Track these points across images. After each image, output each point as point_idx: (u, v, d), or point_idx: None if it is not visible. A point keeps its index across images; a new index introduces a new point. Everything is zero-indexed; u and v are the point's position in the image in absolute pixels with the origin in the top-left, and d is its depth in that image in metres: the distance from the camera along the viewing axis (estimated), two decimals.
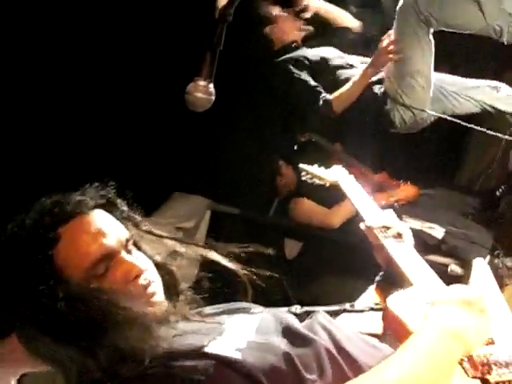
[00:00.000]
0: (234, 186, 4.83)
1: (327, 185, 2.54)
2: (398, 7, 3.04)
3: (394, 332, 1.23)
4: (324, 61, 3.47)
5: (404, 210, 3.83)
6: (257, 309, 1.46)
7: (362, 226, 1.86)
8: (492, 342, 1.21)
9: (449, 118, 3.17)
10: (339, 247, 4.34)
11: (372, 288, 1.79)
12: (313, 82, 3.45)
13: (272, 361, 1.14)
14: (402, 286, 1.60)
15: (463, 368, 1.12)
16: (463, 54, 4.05)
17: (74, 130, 4.06)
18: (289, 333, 1.28)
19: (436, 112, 3.23)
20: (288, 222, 4.51)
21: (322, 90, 3.44)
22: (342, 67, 3.41)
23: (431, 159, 4.70)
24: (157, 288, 1.35)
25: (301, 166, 2.69)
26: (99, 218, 1.36)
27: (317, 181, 2.60)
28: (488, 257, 3.60)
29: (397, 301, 1.25)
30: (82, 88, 4.13)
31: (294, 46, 3.69)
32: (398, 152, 4.30)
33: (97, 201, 1.41)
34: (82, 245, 1.27)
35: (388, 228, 1.74)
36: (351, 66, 3.54)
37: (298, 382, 1.12)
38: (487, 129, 4.84)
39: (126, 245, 1.36)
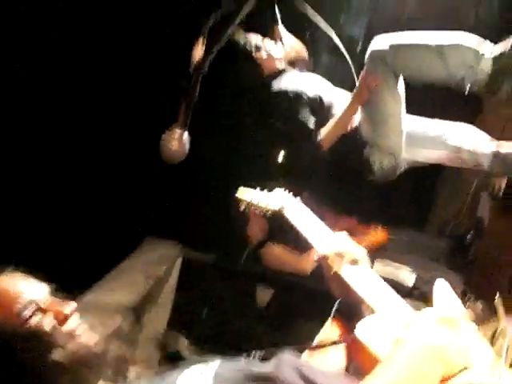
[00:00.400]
0: (206, 232, 4.80)
1: (269, 213, 2.31)
2: (365, 57, 3.10)
3: (361, 361, 1.21)
4: (319, 97, 3.47)
5: (374, 255, 3.83)
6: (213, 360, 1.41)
7: (312, 255, 1.80)
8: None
9: (423, 163, 3.19)
10: (310, 292, 4.31)
11: (329, 322, 1.74)
12: (309, 120, 3.43)
13: None
14: (361, 314, 1.58)
15: None
16: (429, 101, 4.15)
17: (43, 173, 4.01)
18: (250, 375, 1.23)
19: (410, 157, 3.26)
20: (259, 268, 4.48)
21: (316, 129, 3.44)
22: (334, 104, 3.42)
23: (401, 204, 4.74)
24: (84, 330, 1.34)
25: (238, 194, 2.47)
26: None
27: (258, 210, 2.38)
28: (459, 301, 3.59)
29: (364, 330, 1.23)
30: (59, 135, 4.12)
31: (282, 70, 3.70)
32: (368, 196, 4.32)
33: None
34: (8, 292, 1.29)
35: (343, 255, 1.66)
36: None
37: None
38: (458, 175, 4.94)
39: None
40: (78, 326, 1.32)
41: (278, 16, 3.61)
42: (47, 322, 1.28)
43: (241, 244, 4.77)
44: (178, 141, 2.49)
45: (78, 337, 1.27)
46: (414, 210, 5.10)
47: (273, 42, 3.67)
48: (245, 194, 2.44)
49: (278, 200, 2.27)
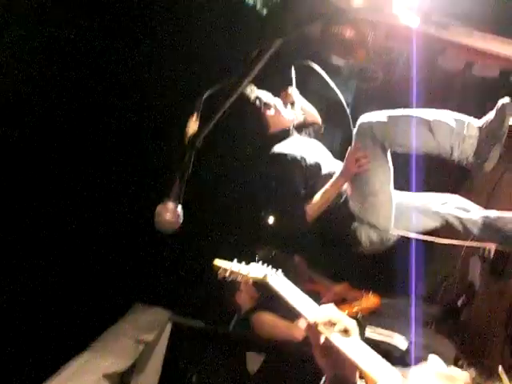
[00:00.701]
0: (195, 298, 4.79)
1: (250, 282, 2.27)
2: (354, 131, 3.15)
3: None
4: (318, 167, 3.47)
5: (367, 320, 3.81)
6: None
7: (302, 323, 1.74)
8: None
9: (413, 235, 3.21)
10: (301, 358, 4.27)
11: None
12: (301, 189, 3.43)
13: None
14: None
15: None
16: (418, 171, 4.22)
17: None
18: None
19: (399, 229, 3.26)
20: (248, 335, 4.44)
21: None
22: (330, 176, 3.41)
23: (392, 269, 4.74)
24: None
25: (216, 262, 2.42)
26: None
27: (238, 279, 2.32)
28: (452, 366, 3.56)
29: None
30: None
31: (288, 130, 3.72)
32: (359, 262, 4.34)
33: None
34: None
35: (333, 324, 1.58)
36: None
37: None
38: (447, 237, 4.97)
39: None
40: None
41: (294, 78, 3.65)
42: None
43: (230, 310, 4.76)
44: (171, 213, 2.50)
45: None
46: (404, 275, 5.11)
47: (282, 102, 3.70)
48: (223, 263, 2.40)
49: (260, 269, 2.24)
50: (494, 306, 3.82)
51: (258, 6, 4.10)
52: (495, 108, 2.72)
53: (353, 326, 1.58)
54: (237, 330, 4.64)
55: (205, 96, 2.67)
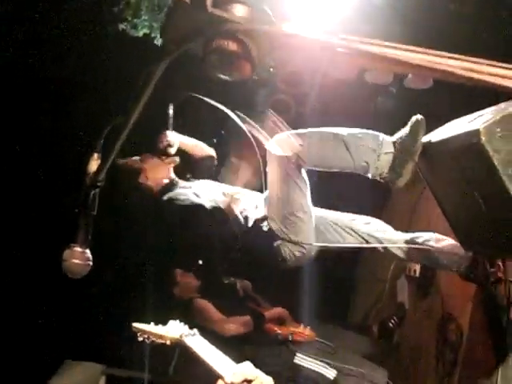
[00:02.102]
0: (125, 349, 4.67)
1: (168, 343, 2.27)
2: (267, 151, 3.15)
3: None
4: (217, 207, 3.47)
5: (298, 347, 3.79)
6: None
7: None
8: None
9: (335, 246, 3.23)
10: None
11: None
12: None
13: None
14: None
15: None
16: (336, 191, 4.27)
17: None
18: None
19: (319, 246, 3.28)
20: (188, 380, 4.34)
21: None
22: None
23: (321, 296, 4.76)
24: None
25: (134, 326, 2.43)
26: None
27: (157, 340, 2.32)
28: None
29: None
30: None
31: (173, 182, 3.68)
32: (297, 290, 4.33)
33: None
34: None
35: (250, 381, 1.62)
36: None
37: None
38: (373, 261, 5.04)
39: None
40: None
41: (170, 119, 3.58)
42: None
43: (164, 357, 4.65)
44: (79, 257, 2.43)
45: None
46: (336, 302, 5.14)
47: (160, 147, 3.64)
48: (141, 326, 2.40)
49: (176, 329, 2.26)
50: (424, 325, 3.88)
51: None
52: (409, 123, 2.77)
53: (269, 381, 1.61)
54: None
55: (104, 134, 2.62)
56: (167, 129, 3.51)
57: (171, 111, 3.46)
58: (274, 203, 3.16)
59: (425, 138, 2.72)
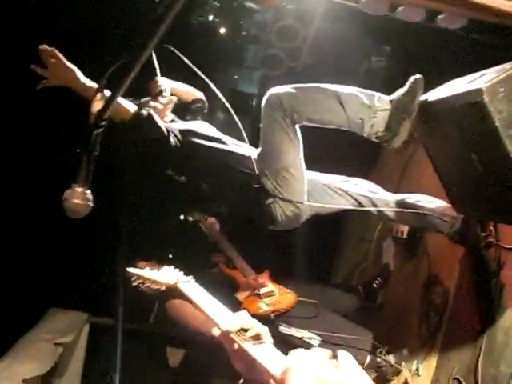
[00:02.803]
0: (109, 297, 4.66)
1: (162, 288, 2.21)
2: (262, 104, 3.08)
3: None
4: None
5: (280, 319, 3.77)
6: None
7: (215, 331, 1.68)
8: None
9: (327, 206, 3.18)
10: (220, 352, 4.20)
11: None
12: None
13: None
14: None
15: None
16: (326, 150, 4.22)
17: None
18: None
19: (312, 208, 3.24)
20: (169, 329, 4.36)
21: None
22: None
23: (305, 257, 4.75)
24: None
25: (128, 270, 2.34)
26: None
27: (151, 285, 2.25)
28: (368, 357, 3.59)
29: None
30: None
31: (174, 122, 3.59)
32: (280, 250, 4.31)
33: None
34: None
35: (246, 330, 1.56)
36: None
37: None
38: (359, 221, 5.02)
39: None
40: None
41: (157, 65, 3.49)
42: None
43: (146, 305, 4.66)
44: (80, 197, 2.36)
45: None
46: (319, 262, 5.14)
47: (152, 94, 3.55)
48: (135, 270, 2.30)
49: (170, 276, 2.19)
50: (409, 287, 3.86)
51: None
52: (408, 82, 2.72)
53: (265, 331, 1.57)
54: (155, 325, 4.55)
55: (108, 73, 2.54)
56: (155, 75, 3.44)
57: (155, 57, 3.36)
58: (267, 158, 3.11)
59: (423, 97, 2.67)
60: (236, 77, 3.51)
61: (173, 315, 3.96)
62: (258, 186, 3.17)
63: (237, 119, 3.18)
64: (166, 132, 3.16)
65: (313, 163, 3.32)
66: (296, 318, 3.75)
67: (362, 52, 5.17)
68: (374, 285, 4.31)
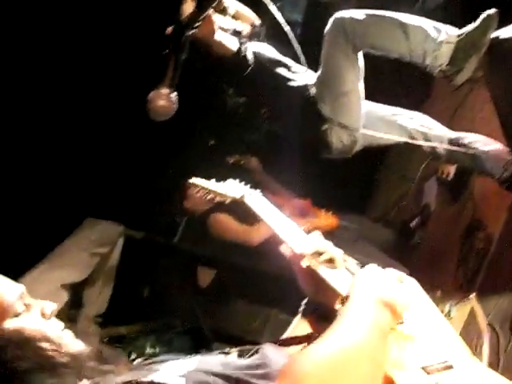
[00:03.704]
0: (146, 212, 4.71)
1: (227, 201, 2.10)
2: (326, 29, 3.00)
3: None
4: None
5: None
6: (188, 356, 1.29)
7: (285, 249, 1.62)
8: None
9: (381, 135, 3.12)
10: (252, 274, 4.25)
11: (298, 319, 1.59)
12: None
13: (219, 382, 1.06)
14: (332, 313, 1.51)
15: None
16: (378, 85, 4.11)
17: None
18: (236, 366, 1.17)
19: (365, 138, 3.18)
20: (202, 248, 4.39)
21: None
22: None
23: (346, 189, 4.70)
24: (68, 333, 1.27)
25: (193, 180, 2.27)
26: None
27: (216, 198, 2.17)
28: None
29: None
30: None
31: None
32: (322, 180, 4.27)
33: None
34: None
35: (320, 253, 1.51)
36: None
37: None
38: (404, 158, 4.93)
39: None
40: (62, 329, 1.25)
41: None
42: (34, 319, 1.22)
43: (182, 222, 4.69)
44: (165, 99, 2.36)
45: (62, 339, 1.19)
46: (359, 195, 5.09)
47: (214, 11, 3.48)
48: (199, 181, 2.24)
49: (238, 188, 2.09)
50: (449, 229, 3.80)
51: None
52: (479, 18, 2.59)
53: (338, 255, 1.53)
54: (189, 243, 4.58)
55: None
56: None
57: None
58: (327, 82, 3.07)
59: (494, 34, 2.54)
60: (279, 4, 3.38)
61: (214, 227, 4.00)
62: (315, 111, 3.14)
63: (295, 43, 3.12)
64: (238, 50, 3.13)
65: (366, 95, 3.26)
66: (335, 243, 3.76)
67: None
68: (413, 224, 4.27)
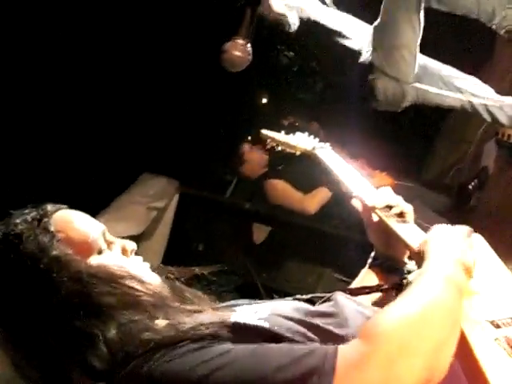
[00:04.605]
0: (202, 169, 4.76)
1: (297, 153, 2.15)
2: None
3: None
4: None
5: None
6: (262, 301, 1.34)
7: (356, 204, 1.65)
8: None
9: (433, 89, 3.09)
10: (307, 233, 4.28)
11: (365, 271, 1.62)
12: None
13: (298, 327, 1.09)
14: (399, 266, 1.56)
15: None
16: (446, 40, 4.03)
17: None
18: (309, 312, 1.19)
19: (418, 93, 3.15)
20: (257, 206, 4.44)
21: None
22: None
23: (406, 150, 4.67)
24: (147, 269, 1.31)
25: (264, 132, 2.26)
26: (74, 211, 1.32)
27: (286, 149, 2.20)
28: None
29: None
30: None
31: None
32: (376, 141, 4.25)
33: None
34: (80, 227, 1.24)
35: (391, 207, 1.51)
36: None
37: (330, 339, 1.05)
38: (462, 121, 4.85)
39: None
40: (141, 266, 1.29)
41: None
42: (117, 256, 1.26)
43: (238, 180, 4.73)
44: (241, 51, 2.40)
45: (141, 279, 1.20)
46: (416, 157, 5.05)
47: None
48: (272, 133, 2.24)
49: (308, 141, 2.12)
50: (508, 194, 3.75)
51: None
52: None
53: (409, 209, 1.53)
54: (244, 200, 4.64)
55: None
56: None
57: None
58: (384, 31, 3.03)
59: None
60: None
61: (271, 194, 4.05)
62: (365, 61, 3.13)
63: None
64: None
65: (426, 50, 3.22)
66: None
67: None
68: (470, 187, 4.21)
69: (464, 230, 1.27)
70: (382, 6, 3.03)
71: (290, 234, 4.47)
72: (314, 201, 3.97)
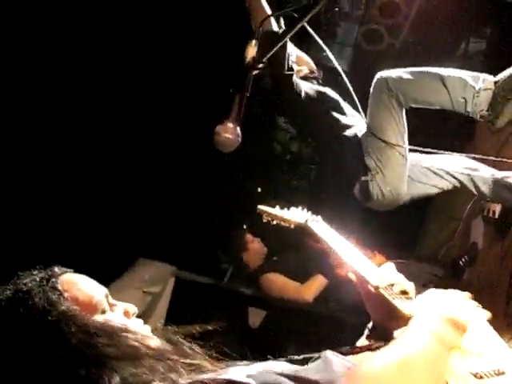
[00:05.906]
0: (199, 254, 4.81)
1: (292, 226, 2.20)
2: (371, 87, 3.16)
3: None
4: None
5: None
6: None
7: (352, 277, 1.68)
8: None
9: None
10: (304, 317, 4.30)
11: (362, 340, 1.64)
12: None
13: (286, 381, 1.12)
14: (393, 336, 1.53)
15: None
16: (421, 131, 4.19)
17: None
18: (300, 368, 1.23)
19: (413, 192, 3.26)
20: (251, 290, 4.47)
21: None
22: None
23: (393, 227, 4.74)
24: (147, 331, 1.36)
25: (260, 207, 2.33)
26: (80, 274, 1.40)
27: (281, 223, 2.25)
28: None
29: None
30: None
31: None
32: (368, 221, 4.33)
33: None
34: (85, 288, 1.32)
35: (393, 285, 1.55)
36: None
37: None
38: (450, 199, 4.96)
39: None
40: (142, 327, 1.35)
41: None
42: (119, 316, 1.32)
43: (235, 266, 4.78)
44: (231, 133, 2.55)
45: (142, 335, 1.27)
46: (405, 234, 5.12)
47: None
48: (267, 208, 2.32)
49: (301, 214, 2.20)
50: (497, 267, 3.82)
51: None
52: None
53: (411, 288, 1.57)
54: (240, 284, 4.67)
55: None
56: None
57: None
58: (372, 136, 3.17)
59: None
60: (324, 54, 3.51)
61: (268, 287, 4.13)
62: (361, 160, 3.23)
63: (352, 91, 3.26)
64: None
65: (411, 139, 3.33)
66: None
67: (462, 32, 5.08)
68: (461, 262, 4.28)
69: (459, 292, 1.34)
70: (366, 114, 3.24)
71: (285, 317, 4.47)
72: (311, 289, 4.07)
